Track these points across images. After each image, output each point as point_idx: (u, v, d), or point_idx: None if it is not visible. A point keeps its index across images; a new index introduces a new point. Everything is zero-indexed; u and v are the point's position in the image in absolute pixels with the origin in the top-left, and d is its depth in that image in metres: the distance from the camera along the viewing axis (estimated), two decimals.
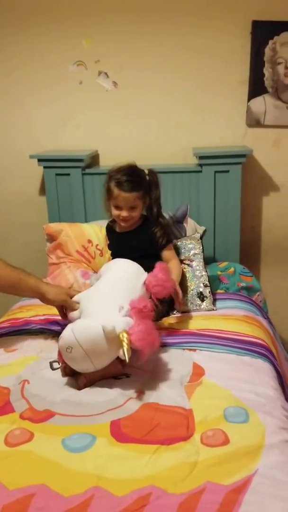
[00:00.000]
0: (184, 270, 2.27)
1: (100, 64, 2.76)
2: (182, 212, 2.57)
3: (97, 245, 2.47)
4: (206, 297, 2.21)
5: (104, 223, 2.56)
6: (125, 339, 1.52)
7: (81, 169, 2.70)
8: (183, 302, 2.11)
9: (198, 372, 1.69)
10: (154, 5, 2.65)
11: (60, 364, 1.73)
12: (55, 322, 2.05)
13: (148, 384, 1.63)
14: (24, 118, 2.87)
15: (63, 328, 1.99)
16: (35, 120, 2.87)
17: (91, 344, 1.56)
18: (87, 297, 1.82)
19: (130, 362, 1.68)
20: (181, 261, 2.29)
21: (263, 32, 2.63)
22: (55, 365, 1.79)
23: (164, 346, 1.87)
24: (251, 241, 2.98)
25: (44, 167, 2.74)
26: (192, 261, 2.29)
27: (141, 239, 2.13)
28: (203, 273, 2.26)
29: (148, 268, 1.88)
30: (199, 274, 2.26)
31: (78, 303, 1.84)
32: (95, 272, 2.34)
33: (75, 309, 1.84)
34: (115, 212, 2.13)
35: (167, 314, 2.17)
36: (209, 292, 2.22)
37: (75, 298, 1.86)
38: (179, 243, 2.37)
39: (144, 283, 1.83)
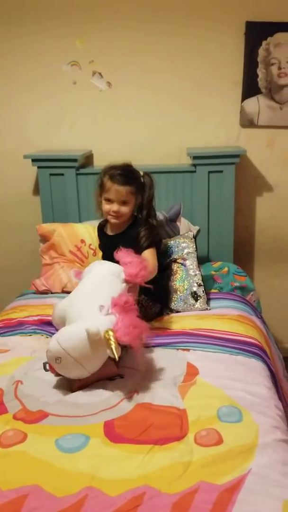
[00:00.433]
0: (178, 269, 2.27)
1: (94, 64, 2.76)
2: (175, 211, 2.57)
3: (90, 244, 2.47)
4: (200, 296, 2.21)
5: (97, 223, 2.56)
6: (111, 337, 1.51)
7: (75, 169, 2.70)
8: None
9: (192, 372, 1.69)
10: (148, 6, 2.65)
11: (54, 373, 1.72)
12: (48, 323, 2.04)
13: (142, 384, 1.63)
14: (18, 118, 2.86)
15: (56, 330, 2.00)
16: (29, 120, 2.86)
17: (79, 350, 1.55)
18: (70, 303, 1.79)
19: (125, 362, 1.69)
20: (175, 260, 2.29)
21: (256, 33, 2.64)
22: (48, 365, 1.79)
23: (157, 346, 1.87)
24: (245, 241, 2.99)
25: (38, 167, 2.73)
26: (185, 260, 2.29)
27: (129, 241, 2.12)
28: (197, 272, 2.27)
29: None
30: (193, 273, 2.26)
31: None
32: None
33: None
34: (106, 206, 2.12)
35: (160, 314, 2.17)
36: (203, 291, 2.22)
37: (60, 306, 1.84)
38: (172, 241, 2.37)
39: (125, 279, 1.80)
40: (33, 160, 2.71)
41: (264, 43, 2.65)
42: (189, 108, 2.79)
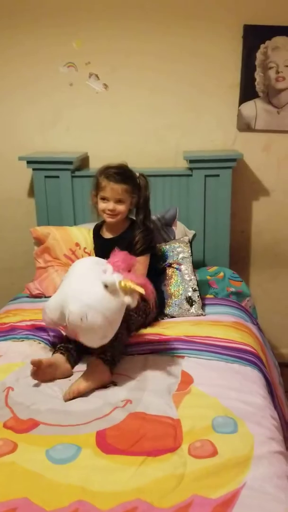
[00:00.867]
0: (173, 274, 2.25)
1: (90, 66, 2.73)
2: (171, 215, 2.55)
3: (84, 248, 2.44)
4: (195, 301, 2.19)
5: (93, 226, 2.54)
6: (128, 282, 1.57)
7: (71, 172, 2.67)
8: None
9: (186, 380, 1.66)
10: (146, 8, 2.63)
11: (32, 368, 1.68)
12: (41, 328, 2.01)
13: (135, 392, 1.60)
14: (13, 119, 2.83)
15: (49, 335, 1.97)
16: (24, 121, 2.83)
17: (103, 303, 1.57)
18: (63, 296, 1.70)
19: (119, 369, 1.67)
20: (170, 265, 2.27)
21: (254, 36, 2.62)
22: None
23: (152, 353, 1.85)
24: (241, 246, 2.97)
25: (33, 169, 2.70)
26: (180, 264, 2.26)
27: (125, 245, 2.10)
28: (192, 277, 2.24)
29: None
30: (188, 278, 2.23)
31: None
32: None
33: None
34: (102, 205, 2.11)
35: (155, 319, 2.14)
36: (198, 296, 2.20)
37: (54, 304, 1.74)
38: (167, 246, 2.34)
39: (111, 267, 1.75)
40: (28, 162, 2.68)
41: (262, 46, 2.63)
42: (186, 112, 2.77)
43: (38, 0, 2.64)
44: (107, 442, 1.35)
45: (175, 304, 2.19)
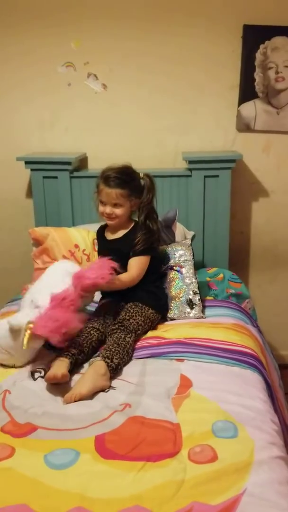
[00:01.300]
0: (174, 276, 2.23)
1: (89, 66, 2.72)
2: (170, 216, 2.53)
3: (83, 250, 2.43)
4: (196, 304, 2.17)
5: (91, 227, 2.52)
6: (26, 329, 1.66)
7: (69, 172, 2.65)
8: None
9: (185, 384, 1.65)
10: (145, 8, 2.61)
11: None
12: None
13: (134, 396, 1.58)
14: (11, 119, 2.81)
15: None
16: (22, 121, 2.81)
17: (4, 340, 1.74)
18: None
19: (117, 375, 1.68)
20: (171, 268, 2.25)
21: (254, 36, 2.60)
22: (36, 375, 1.75)
23: (151, 357, 1.84)
24: (240, 247, 2.95)
25: (32, 170, 2.69)
26: (182, 267, 2.25)
27: (128, 247, 2.09)
28: (193, 280, 2.22)
29: None
30: (189, 281, 2.22)
31: None
32: None
33: None
34: (100, 208, 2.12)
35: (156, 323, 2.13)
36: (199, 299, 2.18)
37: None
38: (169, 248, 2.33)
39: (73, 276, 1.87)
40: (27, 163, 2.66)
41: (261, 47, 2.62)
42: (185, 112, 2.75)
43: (38, 2, 2.62)
44: (106, 447, 1.34)
45: (176, 306, 2.18)
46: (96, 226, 2.49)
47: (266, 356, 2.02)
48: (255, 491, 1.17)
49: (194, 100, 2.73)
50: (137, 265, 2.06)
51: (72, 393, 1.58)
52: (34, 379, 1.71)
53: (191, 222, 2.68)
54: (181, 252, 2.30)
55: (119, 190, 2.05)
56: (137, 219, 2.15)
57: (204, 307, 2.22)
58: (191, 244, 2.35)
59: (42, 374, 1.73)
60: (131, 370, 1.76)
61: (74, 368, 1.76)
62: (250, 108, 2.71)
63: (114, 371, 1.71)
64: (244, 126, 2.75)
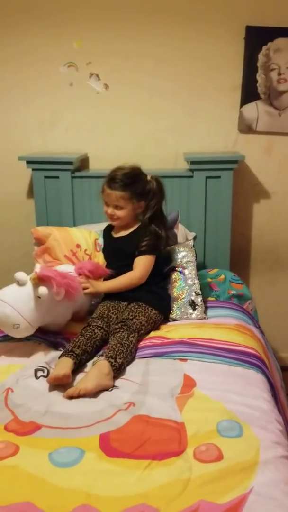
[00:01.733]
0: (176, 277, 2.23)
1: (91, 66, 2.72)
2: (172, 218, 2.53)
3: (85, 250, 2.42)
4: (198, 305, 2.17)
5: (93, 227, 2.52)
6: (32, 278, 1.82)
7: (71, 172, 2.65)
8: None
9: (189, 383, 1.64)
10: (147, 8, 2.61)
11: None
12: (41, 329, 1.98)
13: (138, 395, 1.58)
14: (13, 119, 2.81)
15: (55, 337, 1.95)
16: (24, 121, 2.80)
17: (12, 296, 1.85)
18: None
19: (121, 374, 1.69)
20: (174, 269, 2.25)
21: (256, 37, 2.61)
22: (39, 373, 1.73)
23: (154, 356, 1.83)
24: (241, 248, 2.95)
25: (33, 169, 2.68)
26: (184, 268, 2.25)
27: (132, 245, 2.10)
28: (196, 281, 2.22)
29: None
30: (191, 283, 2.21)
31: None
32: None
33: None
34: (104, 208, 2.15)
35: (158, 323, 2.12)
36: (201, 300, 2.18)
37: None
38: (171, 249, 2.32)
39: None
40: (28, 162, 2.65)
41: (264, 48, 2.62)
42: (187, 112, 2.75)
43: (40, 2, 2.62)
44: (111, 446, 1.33)
45: (178, 307, 2.18)
46: (97, 227, 2.49)
47: (268, 356, 2.02)
48: (262, 491, 1.17)
49: (196, 100, 2.73)
50: (142, 264, 2.07)
51: (77, 387, 1.57)
52: (37, 378, 1.70)
53: (193, 223, 2.68)
54: (184, 253, 2.30)
55: (119, 192, 2.07)
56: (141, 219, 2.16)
57: (206, 308, 2.22)
58: (193, 246, 2.35)
59: (45, 373, 1.72)
60: (134, 369, 1.75)
61: (78, 367, 1.75)
62: (252, 110, 2.72)
63: (118, 371, 1.70)
64: (246, 128, 2.75)
